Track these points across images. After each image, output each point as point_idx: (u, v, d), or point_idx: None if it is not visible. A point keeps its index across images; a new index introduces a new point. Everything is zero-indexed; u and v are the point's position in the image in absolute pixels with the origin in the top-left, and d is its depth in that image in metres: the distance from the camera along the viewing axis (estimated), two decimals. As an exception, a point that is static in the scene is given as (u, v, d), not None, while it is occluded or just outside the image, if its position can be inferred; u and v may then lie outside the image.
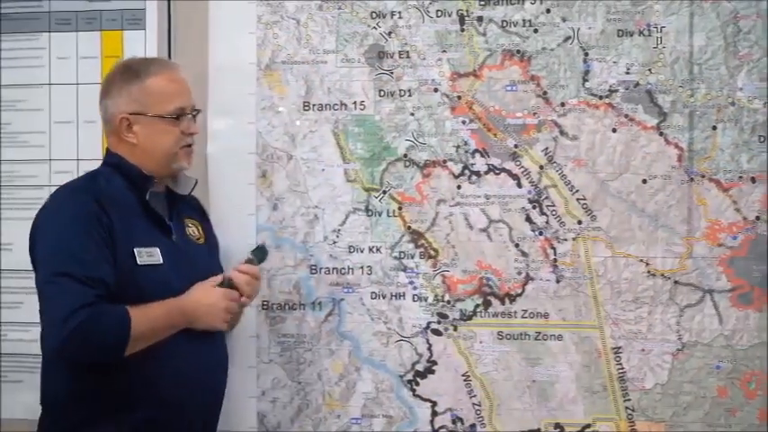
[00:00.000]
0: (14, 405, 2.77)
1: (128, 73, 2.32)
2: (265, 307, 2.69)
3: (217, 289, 2.28)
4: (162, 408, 2.18)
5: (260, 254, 2.44)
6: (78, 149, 2.75)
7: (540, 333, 2.60)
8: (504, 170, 2.60)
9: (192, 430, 2.28)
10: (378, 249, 2.65)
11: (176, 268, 2.26)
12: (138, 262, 2.19)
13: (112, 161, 2.33)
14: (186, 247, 2.35)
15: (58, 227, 2.19)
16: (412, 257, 2.64)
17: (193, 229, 2.43)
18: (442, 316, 2.63)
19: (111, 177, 2.29)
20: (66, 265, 2.12)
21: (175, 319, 2.21)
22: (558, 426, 2.60)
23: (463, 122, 2.62)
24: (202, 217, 2.53)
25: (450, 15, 2.62)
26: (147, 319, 2.15)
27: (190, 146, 2.37)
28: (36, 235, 2.23)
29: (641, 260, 2.55)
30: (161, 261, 2.23)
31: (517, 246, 2.60)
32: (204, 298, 2.26)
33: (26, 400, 2.69)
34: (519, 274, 2.60)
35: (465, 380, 2.62)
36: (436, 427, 2.64)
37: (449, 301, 2.63)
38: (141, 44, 2.72)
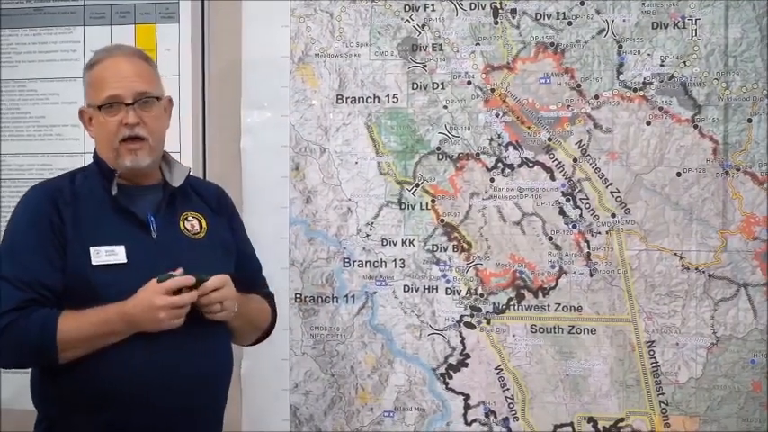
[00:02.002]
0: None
1: (85, 64, 2.25)
2: (298, 300, 2.70)
3: (153, 286, 2.05)
4: (124, 410, 2.06)
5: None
6: (112, 143, 2.76)
7: (573, 327, 2.59)
8: (537, 163, 2.60)
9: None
10: (411, 242, 2.65)
11: (149, 266, 2.09)
12: (93, 262, 2.08)
13: (94, 156, 2.26)
14: (171, 244, 2.17)
15: (10, 227, 2.16)
16: (445, 250, 2.64)
17: (193, 223, 2.25)
18: (475, 309, 2.63)
19: (91, 173, 2.22)
20: (4, 267, 2.08)
21: (114, 325, 2.04)
22: (591, 420, 2.59)
23: (497, 115, 2.62)
24: (213, 209, 2.34)
25: (483, 8, 2.62)
26: (80, 325, 2.03)
27: (136, 140, 2.15)
28: None
29: (675, 254, 2.54)
30: (124, 260, 2.10)
31: (550, 239, 2.60)
32: (142, 299, 2.04)
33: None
34: (552, 267, 2.60)
35: (498, 373, 2.62)
36: (469, 420, 2.64)
37: (482, 295, 2.62)
38: (175, 38, 2.73)
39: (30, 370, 2.21)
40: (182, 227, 2.23)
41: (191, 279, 2.07)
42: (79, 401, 2.07)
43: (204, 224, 2.27)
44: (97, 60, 2.21)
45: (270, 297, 2.45)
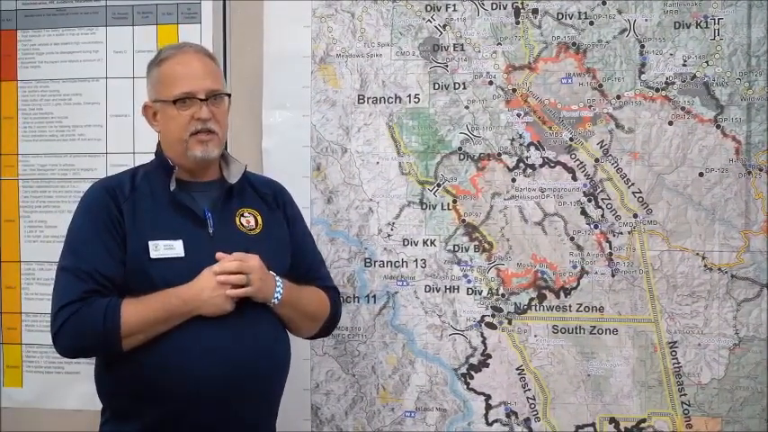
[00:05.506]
0: (71, 395, 2.81)
1: (151, 60, 2.29)
2: (319, 300, 2.70)
3: (211, 269, 2.14)
4: (179, 403, 2.10)
5: None
6: (135, 143, 2.77)
7: (595, 327, 2.59)
8: (559, 163, 2.60)
9: (235, 427, 2.17)
10: (432, 242, 2.65)
11: (206, 261, 2.15)
12: (152, 255, 2.14)
13: (156, 151, 2.31)
14: (227, 239, 2.21)
15: (72, 221, 2.22)
16: (466, 251, 2.64)
17: (249, 219, 2.29)
18: (497, 309, 2.63)
19: (153, 169, 2.28)
20: (66, 259, 2.16)
21: (173, 305, 2.10)
22: (612, 420, 2.58)
23: (518, 115, 2.61)
24: (269, 205, 2.36)
25: (504, 8, 2.62)
26: (141, 309, 2.09)
27: (206, 132, 2.21)
28: None
29: (698, 254, 2.54)
30: (182, 254, 2.16)
31: (572, 239, 2.59)
32: (199, 281, 2.13)
33: (82, 391, 2.73)
34: (574, 267, 2.59)
35: (519, 374, 2.62)
36: (490, 420, 2.64)
37: (503, 295, 2.62)
38: (197, 38, 2.72)
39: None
40: (238, 223, 2.28)
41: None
42: (134, 394, 2.12)
43: (260, 220, 2.32)
44: (166, 57, 2.24)
45: (330, 290, 2.44)
